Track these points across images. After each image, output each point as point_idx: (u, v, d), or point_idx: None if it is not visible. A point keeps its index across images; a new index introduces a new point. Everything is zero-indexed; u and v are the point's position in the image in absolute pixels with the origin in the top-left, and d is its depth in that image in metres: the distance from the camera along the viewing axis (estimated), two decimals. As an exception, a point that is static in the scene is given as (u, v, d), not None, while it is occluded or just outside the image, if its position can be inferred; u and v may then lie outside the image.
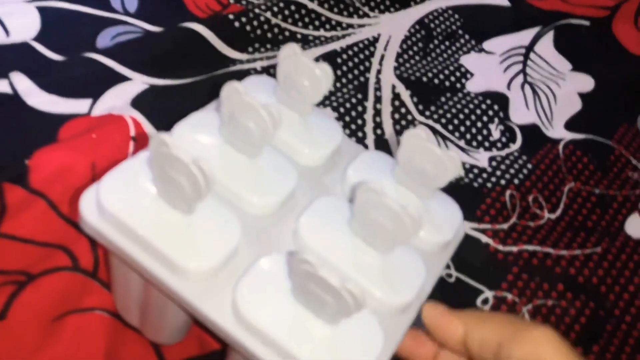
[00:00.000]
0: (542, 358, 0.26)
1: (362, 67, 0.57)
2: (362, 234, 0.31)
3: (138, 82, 0.50)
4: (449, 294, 0.44)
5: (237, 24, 0.55)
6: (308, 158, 0.36)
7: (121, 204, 0.29)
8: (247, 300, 0.28)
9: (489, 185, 0.52)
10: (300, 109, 0.36)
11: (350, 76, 0.56)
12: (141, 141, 0.46)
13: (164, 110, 0.49)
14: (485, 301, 0.45)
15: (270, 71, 0.54)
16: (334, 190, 0.36)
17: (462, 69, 0.60)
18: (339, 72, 0.56)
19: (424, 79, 0.58)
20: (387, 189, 0.29)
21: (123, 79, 0.50)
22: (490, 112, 0.57)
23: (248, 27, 0.56)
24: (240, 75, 0.53)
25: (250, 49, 0.56)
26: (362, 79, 0.56)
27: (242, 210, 0.32)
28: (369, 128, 0.53)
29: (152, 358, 0.37)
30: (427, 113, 0.55)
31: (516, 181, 0.53)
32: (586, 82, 0.63)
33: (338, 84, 0.55)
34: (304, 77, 0.35)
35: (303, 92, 0.35)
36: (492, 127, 0.56)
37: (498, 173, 0.53)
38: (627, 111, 0.61)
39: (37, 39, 0.51)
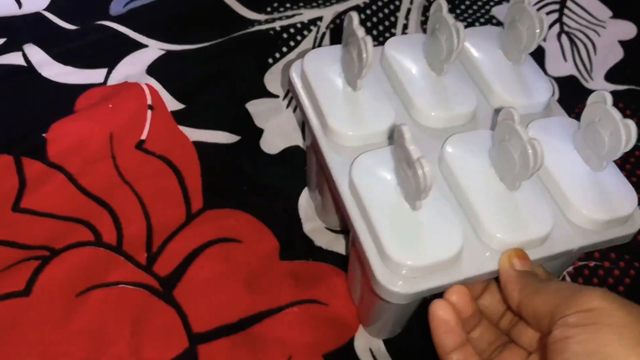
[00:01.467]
0: (596, 313, 0.25)
1: (387, 23, 0.54)
2: (497, 165, 0.32)
3: (154, 49, 0.48)
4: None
5: (253, -17, 0.53)
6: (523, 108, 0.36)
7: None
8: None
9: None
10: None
11: (375, 32, 0.54)
12: (158, 108, 0.45)
13: (180, 76, 0.47)
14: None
15: (289, 31, 0.51)
16: None
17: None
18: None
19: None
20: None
21: (139, 46, 0.48)
22: (524, 65, 0.54)
23: (265, -14, 0.53)
24: (259, 37, 0.51)
25: (268, 9, 0.53)
26: (387, 35, 0.54)
27: None
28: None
29: (180, 328, 0.36)
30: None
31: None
32: (628, 29, 0.59)
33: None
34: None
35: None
36: (526, 81, 0.53)
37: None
38: (673, 58, 0.57)
39: (49, 8, 0.50)
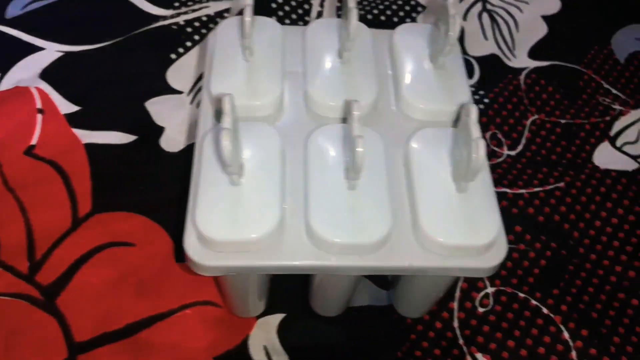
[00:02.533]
0: None
1: (300, 11, 0.53)
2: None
3: (51, 51, 0.47)
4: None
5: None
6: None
7: None
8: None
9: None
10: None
11: (287, 21, 0.52)
12: (49, 112, 0.43)
13: (76, 77, 0.46)
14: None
15: (194, 25, 0.50)
16: None
17: (412, 2, 0.55)
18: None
19: (369, 16, 0.54)
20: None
21: (35, 49, 0.47)
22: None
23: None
24: (161, 32, 0.49)
25: (175, 4, 0.52)
26: (300, 23, 0.52)
27: None
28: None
29: (59, 338, 0.35)
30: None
31: (470, 119, 0.48)
32: (551, 4, 0.57)
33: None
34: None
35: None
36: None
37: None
38: (598, 32, 0.55)
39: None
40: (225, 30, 0.35)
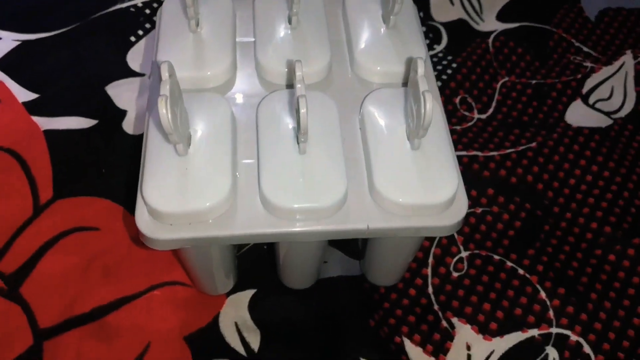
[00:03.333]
0: None
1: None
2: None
3: (7, 41, 0.46)
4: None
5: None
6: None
7: None
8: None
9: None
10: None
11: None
12: (6, 101, 0.42)
13: (34, 65, 0.45)
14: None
15: (153, 6, 0.49)
16: None
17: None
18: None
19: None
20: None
21: (-10, 39, 0.46)
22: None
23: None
24: (119, 16, 0.48)
25: (134, -13, 0.51)
26: None
27: None
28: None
29: (25, 326, 0.34)
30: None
31: (439, 84, 0.47)
32: (519, -35, 0.56)
33: None
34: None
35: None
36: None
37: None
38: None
39: None
40: (171, 4, 0.34)
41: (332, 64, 0.33)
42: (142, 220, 0.28)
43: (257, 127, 0.30)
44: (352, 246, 0.39)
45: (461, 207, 0.29)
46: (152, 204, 0.27)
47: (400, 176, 0.28)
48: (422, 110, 0.26)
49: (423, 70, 0.27)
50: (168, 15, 0.34)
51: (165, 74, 0.26)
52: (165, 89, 0.25)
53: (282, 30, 0.34)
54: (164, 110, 0.24)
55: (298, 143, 0.29)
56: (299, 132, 0.27)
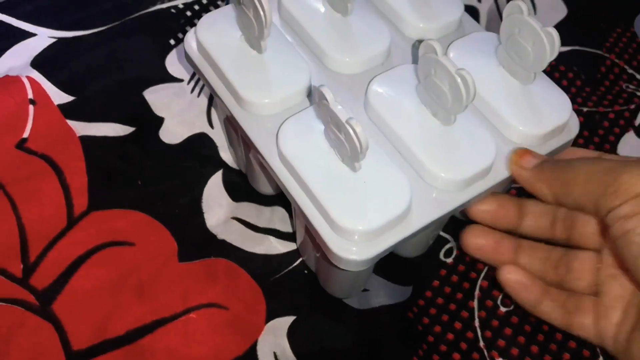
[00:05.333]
0: None
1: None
2: (427, 101, 0.31)
3: (43, 37, 0.44)
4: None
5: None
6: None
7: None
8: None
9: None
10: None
11: None
12: (41, 103, 0.41)
13: (70, 65, 0.43)
14: (449, 252, 0.39)
15: (194, 8, 0.47)
16: None
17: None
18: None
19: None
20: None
21: (25, 35, 0.44)
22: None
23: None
24: (159, 17, 0.46)
25: (174, -14, 0.49)
26: None
27: None
28: None
29: (57, 346, 0.33)
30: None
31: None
32: (571, -16, 0.54)
33: None
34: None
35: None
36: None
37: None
38: (621, 13, 0.52)
39: None
40: (211, 29, 0.34)
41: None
42: (335, 244, 0.28)
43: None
44: (396, 272, 0.38)
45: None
46: (347, 227, 0.28)
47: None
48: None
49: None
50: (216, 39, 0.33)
51: (330, 96, 0.27)
52: (345, 113, 0.27)
53: (332, 21, 0.34)
54: (360, 129, 0.26)
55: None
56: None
